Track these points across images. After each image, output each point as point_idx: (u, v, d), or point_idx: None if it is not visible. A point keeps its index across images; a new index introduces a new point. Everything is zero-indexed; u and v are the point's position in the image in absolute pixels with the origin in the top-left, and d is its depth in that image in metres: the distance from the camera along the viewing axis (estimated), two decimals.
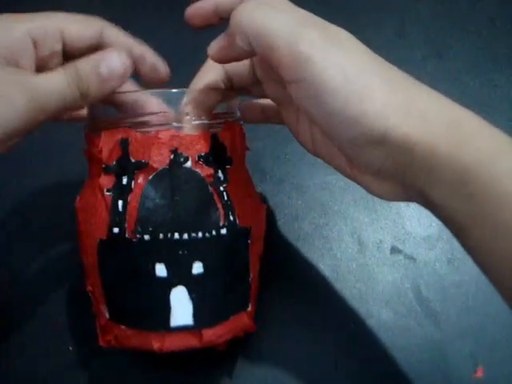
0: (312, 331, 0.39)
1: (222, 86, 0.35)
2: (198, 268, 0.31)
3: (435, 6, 0.53)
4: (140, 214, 0.31)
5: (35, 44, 0.29)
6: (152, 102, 0.32)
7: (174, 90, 0.32)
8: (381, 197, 0.30)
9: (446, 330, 0.39)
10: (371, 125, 0.25)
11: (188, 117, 0.32)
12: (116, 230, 0.31)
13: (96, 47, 0.31)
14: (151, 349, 0.31)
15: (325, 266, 0.42)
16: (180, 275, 0.31)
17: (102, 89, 0.30)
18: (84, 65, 0.29)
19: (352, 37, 0.28)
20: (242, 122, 0.35)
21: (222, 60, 0.31)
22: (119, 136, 0.31)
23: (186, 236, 0.31)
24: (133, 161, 0.31)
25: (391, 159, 0.26)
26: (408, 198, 0.29)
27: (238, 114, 0.35)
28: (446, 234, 0.30)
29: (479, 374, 0.38)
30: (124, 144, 0.31)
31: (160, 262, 0.31)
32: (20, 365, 0.39)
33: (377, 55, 0.28)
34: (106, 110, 0.33)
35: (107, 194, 0.31)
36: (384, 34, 0.51)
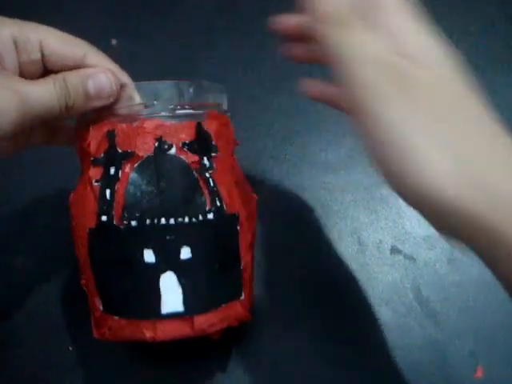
0: (312, 331, 0.40)
1: None
2: (186, 253, 0.32)
3: (435, 5, 0.53)
4: (127, 200, 0.31)
5: (16, 48, 0.30)
6: (138, 94, 0.32)
7: (159, 82, 0.33)
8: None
9: (446, 330, 0.39)
10: (424, 193, 0.23)
11: (173, 106, 0.33)
12: (104, 218, 0.31)
13: (75, 68, 0.31)
14: (144, 338, 0.31)
15: (325, 266, 0.42)
16: (168, 260, 0.32)
17: (87, 105, 0.31)
18: (73, 79, 0.30)
19: (434, 84, 0.25)
20: (229, 115, 0.36)
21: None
22: (106, 128, 0.32)
23: (172, 221, 0.31)
24: (119, 151, 0.32)
25: (448, 226, 0.24)
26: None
27: (225, 106, 0.36)
28: None
29: (479, 373, 0.38)
30: (111, 136, 0.32)
31: (148, 247, 0.31)
32: (20, 365, 0.39)
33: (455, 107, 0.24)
34: None
35: (95, 184, 0.32)
36: None
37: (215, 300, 0.33)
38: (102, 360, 0.39)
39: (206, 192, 0.32)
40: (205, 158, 0.33)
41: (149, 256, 0.31)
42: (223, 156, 0.34)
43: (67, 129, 0.36)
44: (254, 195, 0.37)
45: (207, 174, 0.33)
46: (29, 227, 0.43)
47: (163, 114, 0.32)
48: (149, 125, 0.32)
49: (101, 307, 0.33)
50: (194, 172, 0.32)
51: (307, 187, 0.45)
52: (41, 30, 0.31)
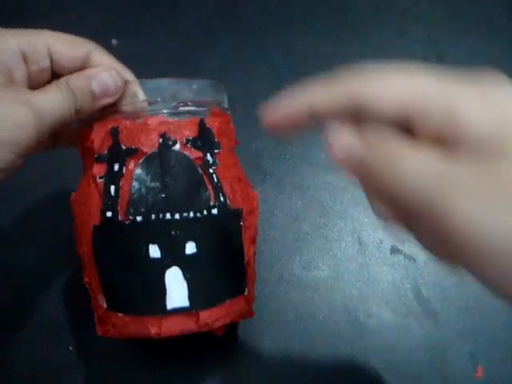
0: (311, 331, 0.40)
1: None
2: (191, 248, 0.32)
3: (435, 5, 0.53)
4: (132, 196, 0.31)
5: (25, 59, 0.30)
6: (141, 91, 0.32)
7: (162, 79, 0.33)
8: None
9: (445, 330, 0.39)
10: None
11: (176, 103, 0.33)
12: (109, 213, 0.31)
13: (82, 68, 0.31)
14: (149, 334, 0.31)
15: (325, 266, 0.42)
16: (173, 255, 0.32)
17: (94, 105, 0.31)
18: (76, 82, 0.30)
19: None
20: (229, 113, 0.36)
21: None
22: (110, 125, 0.32)
23: (177, 216, 0.31)
24: (123, 148, 0.32)
25: None
26: None
27: (226, 105, 0.36)
28: None
29: (479, 373, 0.38)
30: (114, 132, 0.32)
31: (153, 242, 0.31)
32: (20, 365, 0.39)
33: None
34: None
35: (100, 180, 0.32)
36: (384, 33, 0.51)
37: (220, 295, 0.33)
38: (102, 360, 0.39)
39: (210, 187, 0.32)
40: (208, 154, 0.33)
41: (154, 251, 0.31)
42: (225, 153, 0.34)
43: (69, 131, 0.36)
44: (255, 192, 0.37)
45: (211, 170, 0.33)
46: (29, 227, 0.43)
47: (166, 110, 0.32)
48: (152, 121, 0.32)
49: (104, 305, 0.33)
50: (198, 168, 0.32)
51: (307, 187, 0.45)
52: (47, 36, 0.30)
